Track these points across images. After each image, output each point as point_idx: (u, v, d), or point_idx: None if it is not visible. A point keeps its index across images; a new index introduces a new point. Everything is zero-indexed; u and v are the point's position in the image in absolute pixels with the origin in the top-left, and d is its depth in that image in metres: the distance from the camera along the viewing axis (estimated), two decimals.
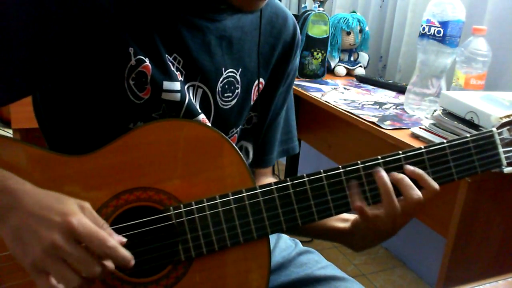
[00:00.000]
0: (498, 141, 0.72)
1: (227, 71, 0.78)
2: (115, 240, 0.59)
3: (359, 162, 0.69)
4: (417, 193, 0.67)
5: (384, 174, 0.68)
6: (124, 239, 0.61)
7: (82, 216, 0.58)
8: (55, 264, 0.57)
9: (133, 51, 0.69)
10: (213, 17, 0.75)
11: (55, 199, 0.60)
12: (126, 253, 0.59)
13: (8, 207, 0.59)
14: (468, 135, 0.72)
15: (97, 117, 0.72)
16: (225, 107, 0.80)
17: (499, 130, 0.72)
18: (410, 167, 0.69)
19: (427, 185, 0.68)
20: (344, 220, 0.80)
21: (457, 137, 0.72)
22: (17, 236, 0.58)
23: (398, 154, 0.69)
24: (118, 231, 0.65)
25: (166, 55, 0.72)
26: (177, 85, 0.73)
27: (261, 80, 0.84)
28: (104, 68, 0.69)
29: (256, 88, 0.83)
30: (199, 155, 0.70)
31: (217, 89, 0.78)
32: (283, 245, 0.97)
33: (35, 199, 0.59)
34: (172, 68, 0.73)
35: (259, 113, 0.86)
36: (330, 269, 0.92)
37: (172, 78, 0.72)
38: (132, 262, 0.60)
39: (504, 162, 0.72)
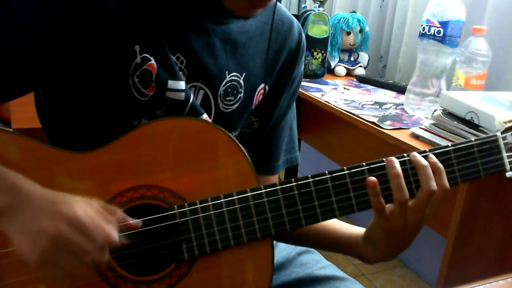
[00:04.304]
0: (502, 146, 0.71)
1: (230, 75, 0.78)
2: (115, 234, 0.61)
3: (364, 164, 0.69)
4: (433, 184, 0.67)
5: (397, 163, 0.68)
6: (139, 223, 0.65)
7: (89, 208, 0.60)
8: (63, 254, 0.58)
9: (139, 49, 0.69)
10: (219, 20, 0.75)
11: (62, 195, 0.61)
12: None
13: (17, 206, 0.60)
14: (473, 139, 0.71)
15: (102, 115, 0.72)
16: (226, 110, 0.80)
17: (504, 135, 0.72)
18: (434, 158, 0.69)
19: (441, 182, 0.68)
20: (355, 230, 0.81)
21: (459, 138, 0.71)
22: (25, 232, 0.59)
23: (403, 156, 0.69)
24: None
25: (170, 55, 0.72)
26: (182, 84, 0.73)
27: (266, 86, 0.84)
28: (109, 66, 0.69)
29: (260, 92, 0.83)
30: (205, 154, 0.70)
31: (219, 92, 0.78)
32: (284, 244, 0.97)
33: (44, 197, 0.61)
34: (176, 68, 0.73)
35: (261, 118, 0.86)
36: (330, 269, 0.92)
37: (177, 78, 0.72)
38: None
39: (508, 166, 0.71)
